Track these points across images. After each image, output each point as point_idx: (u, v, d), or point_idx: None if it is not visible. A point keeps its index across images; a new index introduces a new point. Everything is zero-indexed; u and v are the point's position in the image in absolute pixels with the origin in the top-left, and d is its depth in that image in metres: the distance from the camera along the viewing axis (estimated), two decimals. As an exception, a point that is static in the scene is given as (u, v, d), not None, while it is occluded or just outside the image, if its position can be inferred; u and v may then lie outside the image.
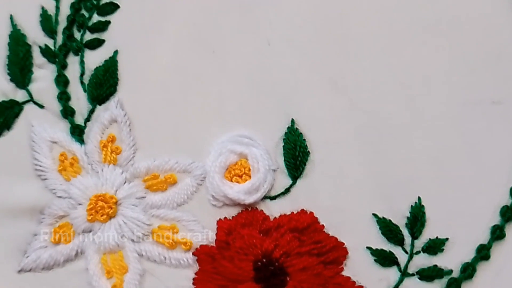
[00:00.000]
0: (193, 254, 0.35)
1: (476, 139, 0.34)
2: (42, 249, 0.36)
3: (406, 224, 0.33)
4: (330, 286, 0.33)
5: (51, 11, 0.39)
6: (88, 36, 0.39)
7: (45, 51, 0.38)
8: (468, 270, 0.32)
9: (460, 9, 0.36)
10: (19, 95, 0.38)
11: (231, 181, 0.35)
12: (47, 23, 0.38)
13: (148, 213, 0.36)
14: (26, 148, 0.38)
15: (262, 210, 0.35)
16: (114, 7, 0.39)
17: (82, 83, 0.38)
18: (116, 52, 0.38)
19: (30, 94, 0.38)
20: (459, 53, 0.35)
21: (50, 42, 0.39)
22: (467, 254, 0.33)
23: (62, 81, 0.38)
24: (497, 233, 0.33)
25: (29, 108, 0.38)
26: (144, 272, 0.35)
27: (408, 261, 0.33)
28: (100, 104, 0.38)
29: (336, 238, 0.34)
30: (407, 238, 0.33)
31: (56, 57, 0.38)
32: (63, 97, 0.38)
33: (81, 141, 0.37)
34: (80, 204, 0.36)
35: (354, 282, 0.33)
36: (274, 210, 0.35)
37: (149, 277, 0.35)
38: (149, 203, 0.36)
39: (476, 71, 0.35)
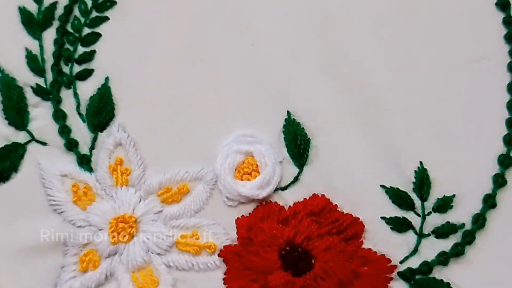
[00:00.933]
0: (219, 255, 0.36)
1: (467, 97, 0.37)
2: (72, 280, 0.37)
3: (413, 188, 0.36)
4: (355, 260, 0.35)
5: (36, 50, 0.40)
6: (77, 68, 0.41)
7: (38, 90, 0.40)
8: (480, 221, 0.35)
9: None
10: (21, 137, 0.39)
11: (242, 179, 0.37)
12: (34, 63, 0.40)
13: (169, 225, 0.37)
14: (37, 186, 0.39)
15: (276, 202, 0.37)
16: (96, 36, 0.41)
17: (80, 114, 0.40)
18: (107, 79, 0.40)
19: (31, 134, 0.39)
20: (439, 21, 0.38)
21: (40, 81, 0.40)
22: (476, 206, 0.35)
23: (60, 116, 0.39)
24: (499, 181, 0.35)
25: (32, 148, 0.39)
26: (175, 282, 0.36)
27: (422, 223, 0.35)
28: (101, 131, 0.39)
29: (351, 215, 0.36)
30: (417, 202, 0.36)
31: (50, 94, 0.40)
32: (64, 130, 0.39)
33: (90, 169, 0.39)
34: (101, 230, 0.38)
35: (376, 252, 0.35)
36: (288, 199, 0.36)
37: (181, 284, 0.36)
38: (168, 215, 0.37)
39: (456, 33, 0.37)
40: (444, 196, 0.35)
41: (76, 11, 0.41)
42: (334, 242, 0.35)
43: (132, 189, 0.38)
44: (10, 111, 0.39)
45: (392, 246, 0.35)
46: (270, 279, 0.35)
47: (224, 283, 0.36)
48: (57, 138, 0.40)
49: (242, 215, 0.37)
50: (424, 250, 0.35)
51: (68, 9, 0.41)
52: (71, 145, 0.39)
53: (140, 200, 0.38)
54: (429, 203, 0.35)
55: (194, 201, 0.38)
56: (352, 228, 0.35)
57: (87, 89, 0.40)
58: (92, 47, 0.41)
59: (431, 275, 0.35)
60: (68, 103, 0.40)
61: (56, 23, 0.40)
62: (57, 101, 0.40)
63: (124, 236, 0.37)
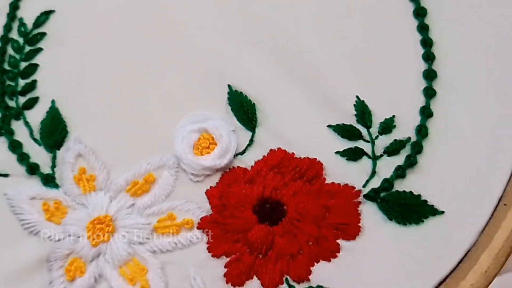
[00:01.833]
0: (198, 228, 0.38)
1: (384, 36, 0.41)
2: (63, 292, 0.38)
3: (357, 120, 0.39)
4: (322, 196, 0.38)
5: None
6: (22, 99, 0.43)
7: None
8: (423, 130, 0.38)
9: None
10: None
11: (202, 155, 0.39)
12: None
13: (144, 214, 0.39)
14: (8, 216, 0.40)
15: (239, 166, 0.39)
16: (34, 67, 0.43)
17: (34, 139, 0.42)
18: (53, 101, 0.42)
19: None
20: None
21: None
22: (415, 120, 0.39)
23: (16, 146, 0.41)
24: (429, 92, 0.39)
25: None
26: (163, 265, 0.38)
27: (373, 147, 0.39)
28: (59, 149, 0.41)
29: (308, 158, 0.39)
30: (363, 130, 0.39)
31: (2, 129, 0.42)
32: (23, 157, 0.41)
33: (56, 186, 0.40)
34: (79, 237, 0.39)
35: (339, 183, 0.38)
36: (248, 162, 0.39)
37: (170, 266, 0.38)
38: (141, 206, 0.39)
39: None
40: (385, 119, 0.39)
41: (10, 50, 0.44)
42: (299, 186, 0.38)
43: (101, 192, 0.40)
44: (-36, 155, 0.41)
45: (351, 175, 0.38)
46: (250, 235, 0.38)
47: (209, 251, 0.38)
48: (18, 167, 0.41)
49: (211, 186, 0.39)
50: (381, 170, 0.38)
51: (2, 50, 0.44)
52: (33, 168, 0.41)
53: (111, 201, 0.40)
54: (374, 129, 0.39)
55: (162, 187, 0.40)
56: (312, 169, 0.38)
57: (36, 116, 0.42)
58: (32, 78, 0.43)
59: (393, 190, 0.37)
60: (21, 132, 0.42)
61: None
62: (10, 134, 0.42)
63: (104, 235, 0.39)
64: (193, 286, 0.38)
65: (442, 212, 0.37)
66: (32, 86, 0.43)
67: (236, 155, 0.40)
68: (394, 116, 0.39)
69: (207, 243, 0.38)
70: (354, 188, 0.38)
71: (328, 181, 0.38)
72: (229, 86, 0.41)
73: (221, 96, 0.41)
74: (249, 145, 0.40)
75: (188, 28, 0.43)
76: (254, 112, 0.40)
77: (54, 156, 0.41)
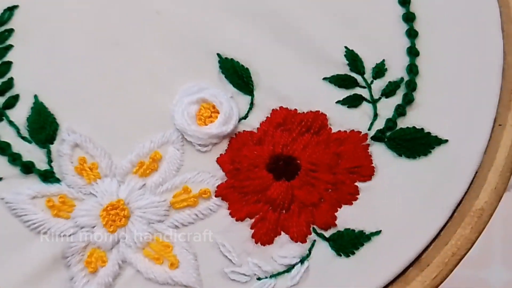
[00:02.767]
0: (216, 196, 0.38)
1: None
2: (87, 285, 0.37)
3: (350, 69, 0.41)
4: (331, 145, 0.39)
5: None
6: (1, 99, 0.41)
7: None
8: (413, 69, 0.40)
9: None
10: None
11: (206, 124, 0.40)
12: None
13: (157, 192, 0.39)
14: (10, 220, 0.38)
15: (244, 130, 0.40)
16: (7, 65, 0.42)
17: (23, 138, 0.40)
18: (35, 96, 0.41)
19: None
20: None
21: None
22: (404, 60, 0.41)
23: (4, 147, 0.40)
24: (412, 33, 0.41)
25: None
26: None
27: (370, 92, 0.40)
28: (52, 143, 0.40)
29: (311, 111, 0.40)
30: (358, 77, 0.41)
31: None
32: (15, 157, 0.40)
33: (57, 180, 0.39)
34: (94, 227, 0.38)
35: (345, 131, 0.39)
36: (253, 124, 0.40)
37: (195, 237, 0.38)
38: (152, 185, 0.39)
39: None
40: (376, 64, 0.41)
41: (-23, 51, 0.42)
42: (308, 139, 0.39)
43: (107, 178, 0.39)
44: None
45: (355, 121, 0.40)
46: (270, 193, 0.38)
47: (232, 216, 0.38)
48: (10, 169, 0.40)
49: (220, 154, 0.39)
50: (382, 112, 0.40)
51: None
52: (28, 167, 0.39)
53: (120, 185, 0.39)
54: (368, 75, 0.41)
55: (171, 162, 0.39)
56: (316, 121, 0.40)
57: (19, 114, 0.41)
58: (7, 76, 0.41)
59: (397, 128, 0.39)
60: (6, 133, 0.40)
61: None
62: (-6, 137, 0.40)
63: (120, 220, 0.38)
64: (222, 252, 0.38)
65: (446, 141, 0.39)
66: (9, 84, 0.41)
67: (239, 120, 0.40)
68: (384, 60, 0.41)
69: (228, 208, 0.38)
70: (360, 132, 0.39)
71: (333, 130, 0.40)
72: (218, 54, 0.41)
73: (209, 67, 0.41)
74: (250, 108, 0.40)
75: (163, 3, 0.43)
76: (249, 75, 0.41)
77: (48, 151, 0.40)
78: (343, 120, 0.40)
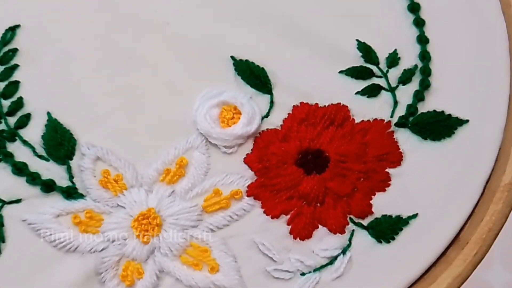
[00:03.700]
0: (248, 195, 0.38)
1: None
2: (125, 300, 0.36)
3: (364, 60, 0.42)
4: (357, 135, 0.39)
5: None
6: (12, 120, 0.40)
7: None
8: (426, 55, 0.41)
9: None
10: None
11: (229, 126, 0.39)
12: None
13: (187, 198, 0.38)
14: (35, 242, 0.37)
15: (268, 128, 0.40)
16: (15, 85, 0.41)
17: (39, 156, 0.39)
18: (49, 113, 0.40)
19: (0, 205, 0.37)
20: None
21: None
22: (415, 48, 0.42)
23: (21, 168, 0.38)
24: (420, 22, 0.43)
25: (8, 211, 0.38)
26: (224, 240, 0.37)
27: (387, 80, 0.41)
28: (71, 159, 0.39)
29: (332, 104, 0.40)
30: (373, 68, 0.42)
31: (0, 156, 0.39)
32: (34, 176, 0.38)
33: (81, 196, 0.38)
34: (126, 239, 0.37)
35: (368, 120, 0.40)
36: (275, 122, 0.40)
37: (232, 239, 0.37)
38: (182, 191, 0.38)
39: None
40: (389, 54, 0.42)
41: (-18, 73, 0.41)
42: (333, 132, 0.40)
43: (134, 189, 0.38)
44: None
45: (376, 110, 0.40)
46: (302, 188, 0.38)
47: (267, 214, 0.38)
48: (29, 189, 0.38)
49: (247, 154, 0.39)
50: (401, 99, 0.41)
51: None
52: (49, 185, 0.38)
53: (148, 194, 0.38)
54: (382, 65, 0.42)
55: (198, 167, 0.39)
56: (339, 113, 0.40)
57: (32, 133, 0.40)
58: (16, 95, 0.40)
59: (419, 113, 0.40)
60: (22, 153, 0.39)
61: None
62: (9, 157, 0.39)
63: (152, 229, 0.37)
64: (262, 251, 0.37)
65: (467, 121, 0.40)
66: (19, 104, 0.40)
67: (262, 119, 0.40)
68: (396, 49, 0.42)
69: (262, 207, 0.38)
70: (384, 120, 0.40)
71: (356, 121, 0.40)
72: (232, 57, 0.41)
73: (224, 71, 0.41)
74: (270, 107, 0.40)
75: (170, 15, 0.43)
76: (266, 75, 0.41)
77: (68, 167, 0.39)
78: (365, 110, 0.40)
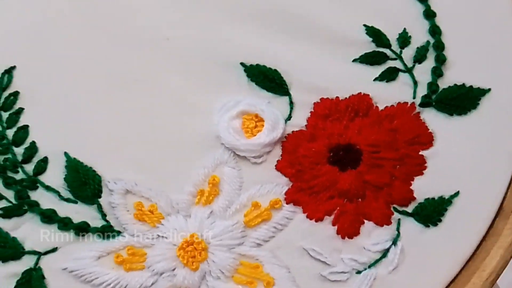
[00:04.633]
0: (287, 202, 0.38)
1: None
2: (185, 330, 0.35)
3: (376, 45, 0.41)
4: (384, 122, 0.39)
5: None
6: (29, 166, 0.38)
7: (7, 213, 0.37)
8: (436, 29, 0.41)
9: None
10: (25, 262, 0.36)
11: (254, 135, 0.39)
12: None
13: (227, 216, 0.37)
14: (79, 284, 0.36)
15: (292, 131, 0.39)
16: (24, 130, 0.39)
17: (67, 200, 0.38)
18: (66, 154, 0.39)
19: (34, 253, 0.36)
20: None
21: (3, 203, 0.37)
22: (423, 24, 0.42)
23: (50, 215, 0.37)
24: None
25: (46, 262, 0.37)
26: (273, 252, 0.37)
27: (403, 62, 0.41)
28: (100, 197, 0.38)
29: (353, 95, 0.40)
30: (386, 51, 0.41)
31: (22, 207, 0.37)
32: (65, 222, 0.37)
33: (118, 233, 0.37)
34: (174, 269, 0.36)
35: (392, 105, 0.40)
36: (299, 123, 0.39)
37: (280, 250, 0.37)
38: (220, 210, 0.38)
39: None
40: (399, 34, 0.41)
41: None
42: (359, 122, 0.39)
43: (172, 217, 0.37)
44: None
45: (397, 94, 0.40)
46: (341, 186, 0.38)
47: (310, 218, 0.37)
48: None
49: (277, 160, 0.38)
50: (420, 78, 0.40)
51: None
52: (83, 228, 0.37)
53: (186, 220, 0.37)
54: (394, 47, 0.41)
55: (231, 182, 0.38)
56: (362, 103, 0.40)
57: (54, 176, 0.38)
58: (28, 140, 0.39)
59: (439, 90, 0.40)
60: (47, 199, 0.38)
61: None
62: (35, 206, 0.37)
63: (199, 254, 0.36)
64: (313, 257, 0.37)
65: (489, 89, 0.40)
66: (33, 149, 0.39)
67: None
68: (405, 28, 0.41)
69: (304, 212, 0.38)
70: (407, 103, 0.40)
71: (380, 108, 0.40)
72: (242, 63, 0.40)
73: (236, 78, 0.41)
74: (291, 108, 0.40)
75: (168, 29, 0.41)
76: (280, 76, 0.40)
77: (98, 206, 0.38)
78: (386, 95, 0.40)
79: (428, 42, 0.41)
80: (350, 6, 0.42)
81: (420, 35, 0.42)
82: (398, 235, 0.37)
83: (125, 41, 0.41)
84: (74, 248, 0.37)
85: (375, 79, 0.40)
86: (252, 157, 0.39)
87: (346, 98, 0.40)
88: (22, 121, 0.40)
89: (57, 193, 0.38)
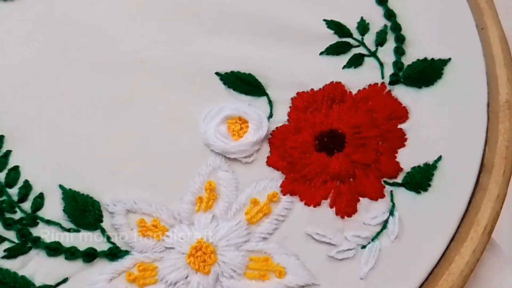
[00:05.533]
0: (284, 194, 0.39)
1: None
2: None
3: (339, 36, 0.43)
4: (361, 104, 0.41)
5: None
6: (27, 204, 0.39)
7: (11, 253, 0.37)
8: (391, 12, 0.44)
9: None
10: None
11: (241, 137, 0.40)
12: None
13: (229, 218, 0.39)
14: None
15: (276, 127, 0.41)
16: (16, 171, 0.40)
17: (69, 230, 0.38)
18: (61, 186, 0.39)
19: (44, 286, 0.37)
20: None
21: (5, 246, 0.38)
22: (378, 11, 0.44)
23: (55, 248, 0.38)
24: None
25: None
26: (279, 244, 0.38)
27: (366, 47, 0.43)
28: (102, 221, 0.39)
29: (327, 85, 0.42)
30: (349, 40, 0.43)
31: (26, 244, 0.38)
32: (72, 251, 0.38)
33: (126, 252, 0.38)
34: (186, 278, 0.37)
35: (364, 87, 0.42)
36: (281, 119, 0.41)
37: (286, 240, 0.38)
38: (222, 213, 0.39)
39: None
40: (357, 23, 0.44)
41: None
42: (337, 109, 0.41)
43: (176, 228, 0.38)
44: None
45: (367, 77, 0.42)
46: (332, 169, 0.39)
47: (309, 205, 0.39)
48: (72, 264, 0.38)
49: (267, 157, 0.40)
50: (385, 59, 0.43)
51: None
52: (91, 254, 0.38)
53: (190, 228, 0.38)
54: (356, 35, 0.44)
55: (227, 185, 0.39)
56: (336, 91, 0.42)
57: (53, 209, 0.39)
58: (21, 180, 0.40)
59: (405, 67, 0.42)
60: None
61: None
62: (39, 242, 0.38)
63: (209, 257, 0.37)
64: (319, 240, 0.38)
65: (450, 59, 0.43)
66: (27, 188, 0.39)
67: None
68: (362, 17, 0.44)
69: (301, 200, 0.39)
70: (378, 83, 0.42)
71: (354, 92, 0.42)
72: (217, 73, 0.42)
73: (214, 87, 0.42)
74: (271, 106, 0.41)
75: (140, 52, 0.43)
76: (255, 79, 0.42)
77: (102, 230, 0.38)
78: (357, 80, 0.42)
79: (385, 25, 0.44)
80: (308, 4, 0.45)
81: (377, 21, 0.44)
82: (394, 205, 0.39)
83: (103, 69, 0.42)
84: (85, 275, 0.37)
85: (344, 67, 0.43)
86: (243, 157, 0.40)
87: (320, 88, 0.42)
88: (12, 163, 0.40)
89: (59, 225, 0.38)
